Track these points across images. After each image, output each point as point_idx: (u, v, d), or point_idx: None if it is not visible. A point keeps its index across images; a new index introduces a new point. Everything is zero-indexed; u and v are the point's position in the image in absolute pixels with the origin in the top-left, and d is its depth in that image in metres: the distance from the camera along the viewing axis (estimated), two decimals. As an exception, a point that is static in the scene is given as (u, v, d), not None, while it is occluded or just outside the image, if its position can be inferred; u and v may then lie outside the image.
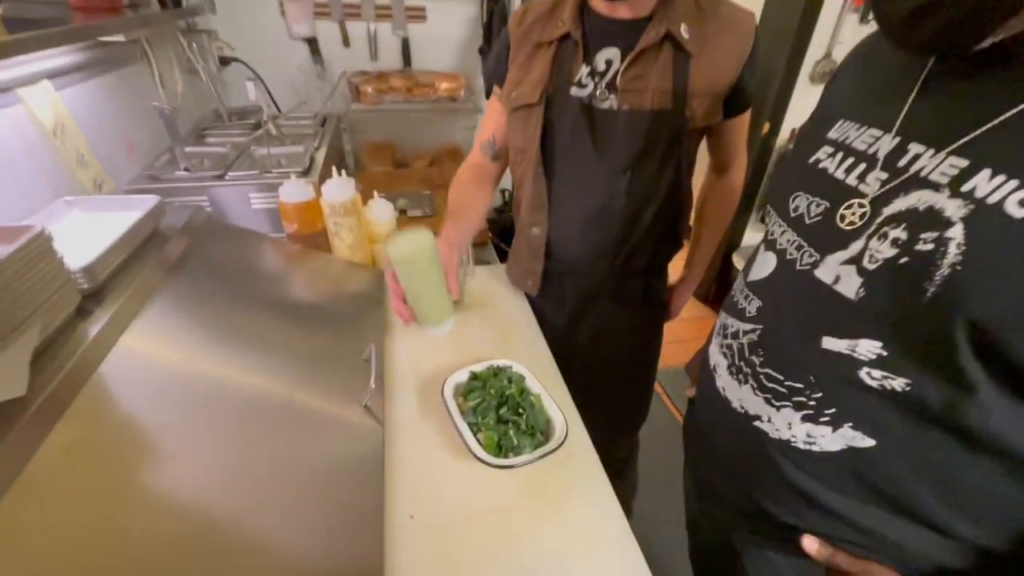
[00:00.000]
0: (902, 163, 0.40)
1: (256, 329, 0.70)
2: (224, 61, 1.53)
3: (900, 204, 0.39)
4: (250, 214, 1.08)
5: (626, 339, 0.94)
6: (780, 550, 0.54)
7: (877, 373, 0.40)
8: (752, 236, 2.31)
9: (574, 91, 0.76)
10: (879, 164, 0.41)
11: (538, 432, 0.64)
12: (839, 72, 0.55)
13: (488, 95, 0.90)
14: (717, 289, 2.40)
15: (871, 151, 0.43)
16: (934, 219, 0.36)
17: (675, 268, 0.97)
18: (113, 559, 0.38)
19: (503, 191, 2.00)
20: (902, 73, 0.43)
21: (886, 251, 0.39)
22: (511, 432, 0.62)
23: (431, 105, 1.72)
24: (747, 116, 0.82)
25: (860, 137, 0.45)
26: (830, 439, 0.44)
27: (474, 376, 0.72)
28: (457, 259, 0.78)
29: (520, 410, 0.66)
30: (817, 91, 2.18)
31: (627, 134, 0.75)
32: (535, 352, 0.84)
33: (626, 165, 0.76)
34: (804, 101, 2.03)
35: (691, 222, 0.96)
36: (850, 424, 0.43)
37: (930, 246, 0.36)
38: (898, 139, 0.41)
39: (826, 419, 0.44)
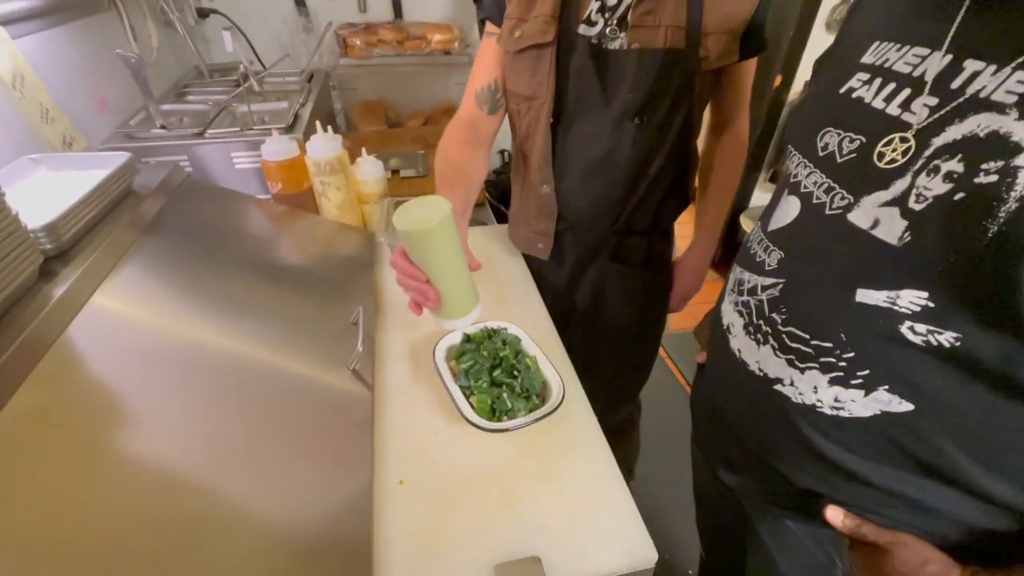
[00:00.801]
0: (956, 84, 0.35)
1: (239, 292, 0.67)
2: (202, 13, 1.44)
3: (955, 132, 0.34)
4: (234, 174, 1.03)
5: (627, 300, 0.91)
6: (800, 520, 0.51)
7: (921, 328, 0.36)
8: (761, 197, 2.24)
9: (583, 29, 0.69)
10: (927, 88, 0.36)
11: (533, 395, 0.62)
12: None
13: None
14: (724, 252, 2.34)
15: (917, 73, 0.37)
16: (999, 146, 0.31)
17: (682, 238, 0.92)
18: (86, 534, 0.36)
19: (501, 152, 1.93)
20: None
21: (937, 187, 0.34)
22: (505, 395, 0.60)
23: (423, 59, 1.63)
24: (755, 63, 0.76)
25: (902, 58, 0.39)
26: (861, 404, 0.41)
27: (467, 338, 0.69)
28: (466, 230, 0.69)
29: (515, 372, 0.63)
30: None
31: (636, 76, 0.68)
32: (532, 314, 0.80)
33: (634, 111, 0.70)
34: (819, 51, 1.91)
35: (696, 185, 0.90)
36: (886, 387, 0.39)
37: (994, 177, 0.31)
38: (950, 57, 0.35)
39: (858, 382, 0.40)
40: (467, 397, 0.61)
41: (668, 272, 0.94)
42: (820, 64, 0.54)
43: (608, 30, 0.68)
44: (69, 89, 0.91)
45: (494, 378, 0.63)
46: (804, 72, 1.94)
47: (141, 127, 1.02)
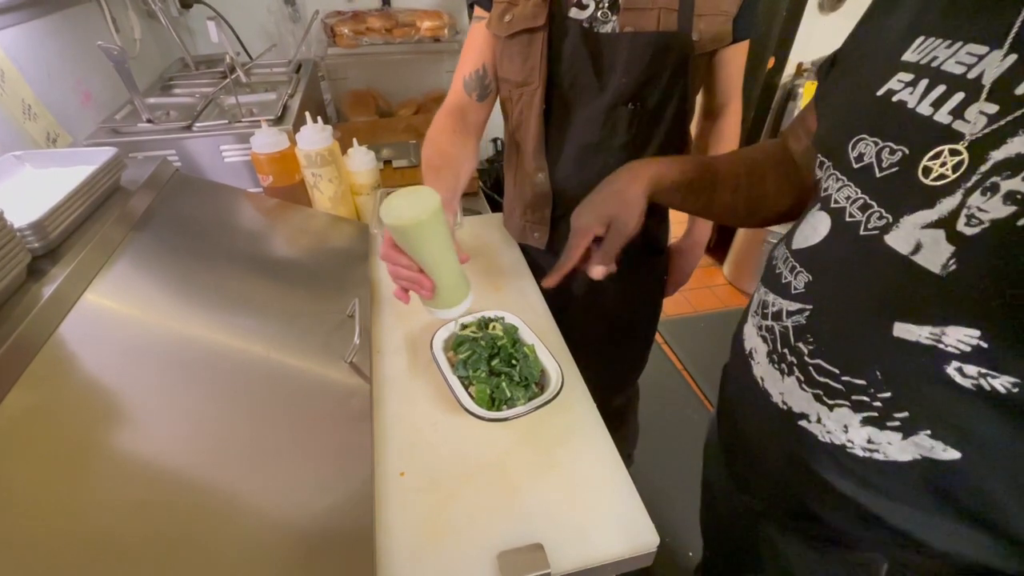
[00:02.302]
0: (1020, 90, 0.30)
1: (232, 288, 0.66)
2: (185, 3, 1.40)
3: (1019, 145, 0.29)
4: (224, 168, 1.01)
5: (623, 287, 0.90)
6: (820, 549, 0.48)
7: (971, 370, 0.32)
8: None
9: (574, 13, 0.68)
10: (984, 92, 0.32)
11: (532, 383, 0.62)
12: None
13: None
14: (718, 238, 2.34)
15: (972, 75, 0.32)
16: None
17: (677, 224, 0.91)
18: (86, 533, 0.36)
19: (494, 140, 1.91)
20: None
21: (996, 210, 0.29)
22: (504, 384, 0.60)
23: (413, 47, 1.60)
24: (747, 47, 0.75)
25: (953, 57, 0.34)
26: (899, 447, 0.37)
27: (464, 328, 0.69)
28: (452, 220, 0.67)
29: (513, 361, 0.63)
30: (828, 21, 2.04)
31: (629, 61, 0.68)
32: (529, 302, 0.80)
33: (627, 96, 0.70)
34: (812, 33, 1.90)
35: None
36: (928, 432, 0.35)
37: None
38: (1013, 57, 0.31)
39: (895, 424, 0.36)
40: (466, 387, 0.61)
41: (664, 258, 0.94)
42: (846, 58, 0.47)
43: (600, 13, 0.67)
44: (51, 83, 0.89)
45: (492, 367, 0.63)
46: (797, 54, 1.92)
47: (127, 121, 1.00)
